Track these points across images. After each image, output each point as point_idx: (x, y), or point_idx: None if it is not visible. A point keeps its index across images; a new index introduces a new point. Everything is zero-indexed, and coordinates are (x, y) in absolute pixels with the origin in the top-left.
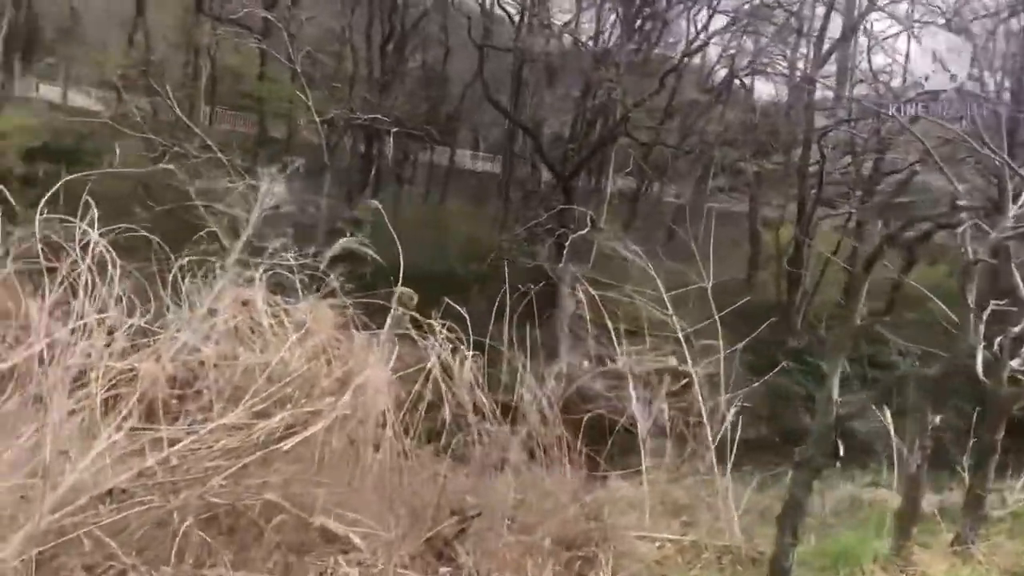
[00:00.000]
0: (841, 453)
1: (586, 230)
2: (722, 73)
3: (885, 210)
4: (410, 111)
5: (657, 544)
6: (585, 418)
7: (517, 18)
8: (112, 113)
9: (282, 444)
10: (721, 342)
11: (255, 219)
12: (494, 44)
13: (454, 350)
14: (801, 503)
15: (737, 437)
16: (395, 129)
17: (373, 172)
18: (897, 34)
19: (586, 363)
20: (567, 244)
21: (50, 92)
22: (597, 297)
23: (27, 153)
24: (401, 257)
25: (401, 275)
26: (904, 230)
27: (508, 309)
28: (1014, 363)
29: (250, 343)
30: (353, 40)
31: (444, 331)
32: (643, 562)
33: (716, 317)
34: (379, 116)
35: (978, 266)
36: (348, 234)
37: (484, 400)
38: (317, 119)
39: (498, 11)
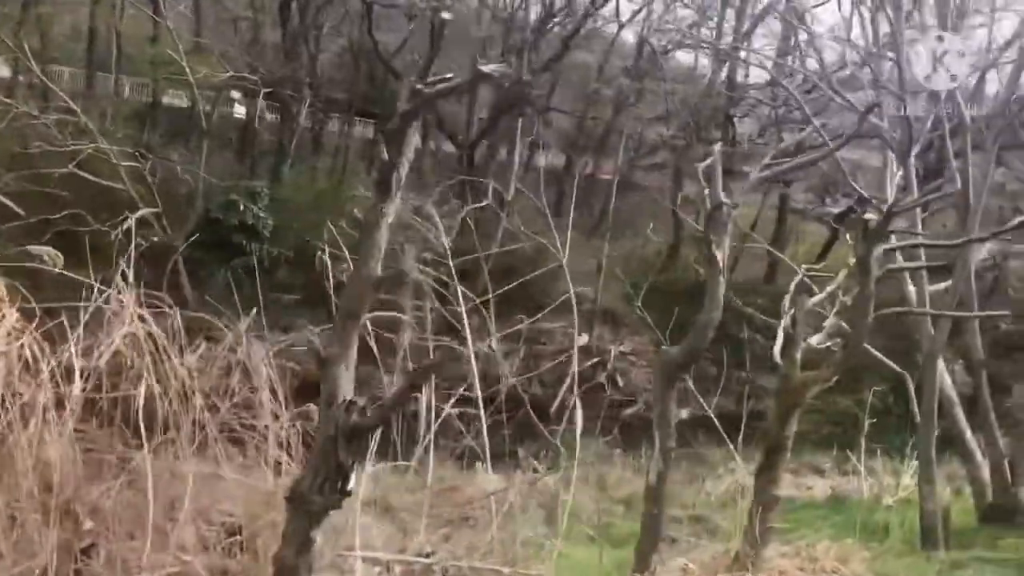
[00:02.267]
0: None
1: (483, 203)
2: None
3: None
4: (325, 78)
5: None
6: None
7: None
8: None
9: None
10: None
11: None
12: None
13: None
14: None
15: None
16: (264, 91)
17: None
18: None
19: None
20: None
21: None
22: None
23: None
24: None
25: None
26: None
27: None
28: (813, 340)
29: None
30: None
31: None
32: None
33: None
34: (247, 76)
35: (730, 214)
36: (242, 207)
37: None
38: (193, 81)
39: None
